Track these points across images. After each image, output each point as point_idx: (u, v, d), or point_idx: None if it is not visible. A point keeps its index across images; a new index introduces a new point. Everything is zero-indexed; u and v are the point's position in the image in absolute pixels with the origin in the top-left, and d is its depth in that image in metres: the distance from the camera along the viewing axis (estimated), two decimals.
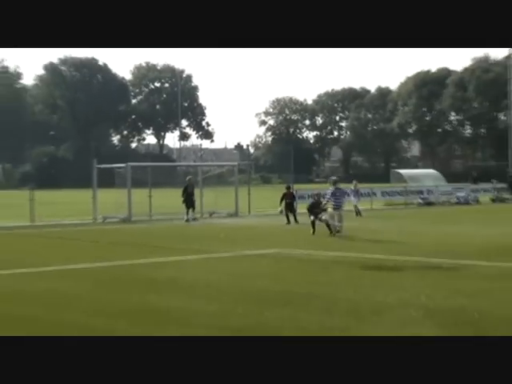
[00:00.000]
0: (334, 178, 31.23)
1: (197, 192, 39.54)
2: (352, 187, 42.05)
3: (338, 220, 28.31)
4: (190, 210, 37.52)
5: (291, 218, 34.86)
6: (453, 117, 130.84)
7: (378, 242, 25.05)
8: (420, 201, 52.39)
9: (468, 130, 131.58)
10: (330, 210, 28.85)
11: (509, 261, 19.11)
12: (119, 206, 38.08)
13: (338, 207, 28.52)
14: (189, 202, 37.40)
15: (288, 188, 36.31)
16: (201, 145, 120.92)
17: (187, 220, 36.89)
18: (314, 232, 28.36)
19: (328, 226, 28.18)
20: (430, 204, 51.73)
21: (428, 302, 13.21)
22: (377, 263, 19.23)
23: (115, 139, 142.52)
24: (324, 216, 28.68)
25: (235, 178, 43.91)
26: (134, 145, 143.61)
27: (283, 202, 35.44)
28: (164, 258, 21.43)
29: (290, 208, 35.38)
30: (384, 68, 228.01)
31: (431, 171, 64.71)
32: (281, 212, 35.51)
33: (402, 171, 63.79)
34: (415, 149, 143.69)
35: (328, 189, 29.83)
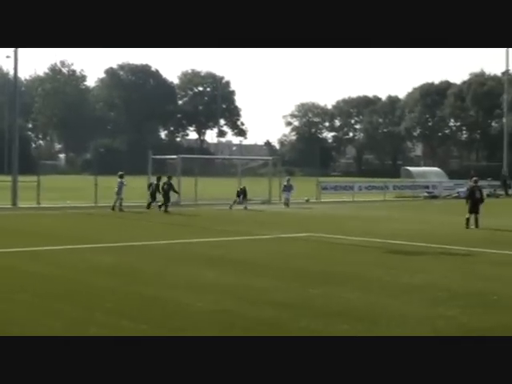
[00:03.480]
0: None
1: (235, 182, 39.26)
2: (285, 183, 39.77)
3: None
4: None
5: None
6: (452, 123, 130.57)
7: (396, 230, 24.67)
8: (426, 194, 51.81)
9: (464, 135, 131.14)
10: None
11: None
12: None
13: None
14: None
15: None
16: (241, 141, 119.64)
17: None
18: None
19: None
20: (434, 197, 51.06)
21: (450, 284, 12.85)
22: (399, 248, 18.82)
23: (162, 134, 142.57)
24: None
25: (269, 169, 43.56)
26: (178, 139, 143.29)
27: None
28: (213, 238, 21.20)
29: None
30: (394, 79, 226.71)
31: (436, 169, 63.87)
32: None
33: (411, 168, 63.03)
34: (418, 149, 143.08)
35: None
